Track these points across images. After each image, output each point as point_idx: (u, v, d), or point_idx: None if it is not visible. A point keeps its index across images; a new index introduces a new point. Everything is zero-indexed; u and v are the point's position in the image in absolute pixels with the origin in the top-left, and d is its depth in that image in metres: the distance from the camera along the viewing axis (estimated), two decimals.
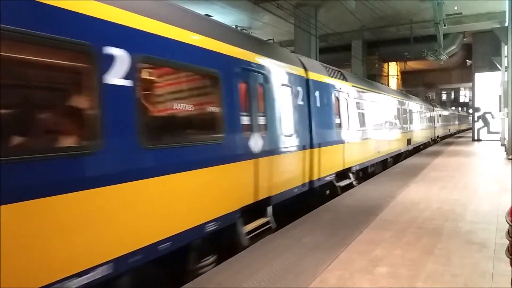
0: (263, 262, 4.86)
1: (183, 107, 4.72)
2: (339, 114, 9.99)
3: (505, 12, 19.05)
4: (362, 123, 11.95)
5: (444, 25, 21.63)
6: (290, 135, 7.29)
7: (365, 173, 12.48)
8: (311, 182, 8.13)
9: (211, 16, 6.16)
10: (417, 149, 21.86)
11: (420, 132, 23.00)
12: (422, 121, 24.02)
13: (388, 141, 15.21)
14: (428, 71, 45.89)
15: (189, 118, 4.89)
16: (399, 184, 10.53)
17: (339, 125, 9.94)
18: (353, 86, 11.33)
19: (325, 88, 9.20)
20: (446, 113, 39.20)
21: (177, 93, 4.74)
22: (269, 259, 4.98)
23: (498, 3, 20.63)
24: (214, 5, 20.33)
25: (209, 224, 4.86)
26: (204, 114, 5.21)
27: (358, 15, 21.69)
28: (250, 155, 5.86)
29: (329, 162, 9.08)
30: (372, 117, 12.95)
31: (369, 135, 12.51)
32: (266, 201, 6.37)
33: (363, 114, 12.11)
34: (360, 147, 11.55)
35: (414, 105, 22.08)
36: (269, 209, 6.48)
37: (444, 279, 4.30)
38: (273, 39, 12.59)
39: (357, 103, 11.59)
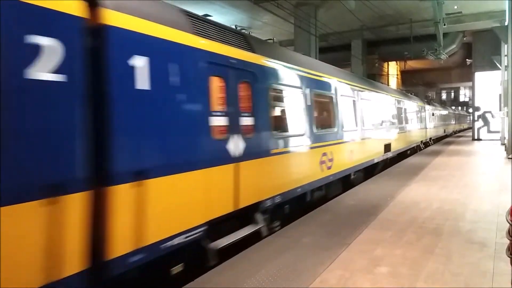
0: (263, 262, 4.86)
1: None
2: (225, 110, 5.45)
3: (505, 11, 19.05)
4: (293, 124, 7.60)
5: (444, 24, 21.65)
6: None
7: (302, 202, 7.99)
8: (96, 269, 3.47)
9: (210, 16, 6.08)
10: (402, 156, 17.89)
11: (405, 134, 18.62)
12: (409, 121, 19.90)
13: (349, 150, 10.45)
14: (428, 71, 45.95)
15: None
16: (399, 183, 10.51)
17: (228, 129, 5.43)
18: (267, 61, 6.69)
19: (176, 56, 4.59)
20: (441, 111, 36.34)
21: None
22: (269, 259, 4.97)
23: (498, 2, 20.64)
24: (214, 5, 20.35)
25: None
26: None
27: (358, 14, 21.72)
28: None
29: (182, 205, 4.54)
30: (315, 115, 8.51)
31: (307, 142, 7.97)
32: None
33: (294, 110, 7.76)
34: (285, 165, 7.14)
35: (396, 101, 17.28)
36: None
37: (444, 279, 4.30)
38: (273, 39, 12.56)
39: (278, 91, 7.13)
